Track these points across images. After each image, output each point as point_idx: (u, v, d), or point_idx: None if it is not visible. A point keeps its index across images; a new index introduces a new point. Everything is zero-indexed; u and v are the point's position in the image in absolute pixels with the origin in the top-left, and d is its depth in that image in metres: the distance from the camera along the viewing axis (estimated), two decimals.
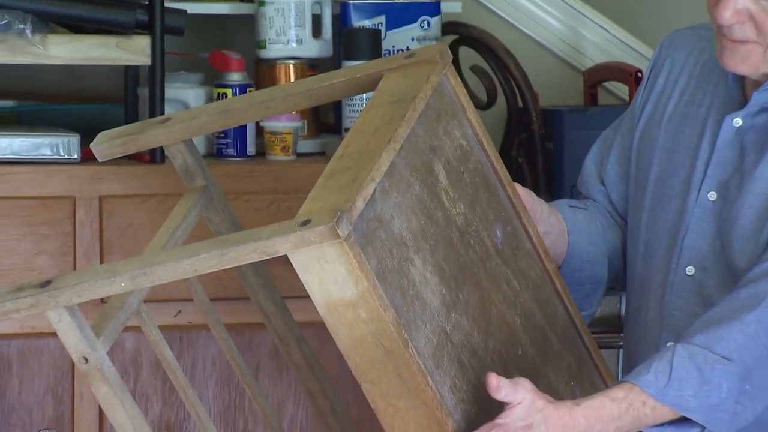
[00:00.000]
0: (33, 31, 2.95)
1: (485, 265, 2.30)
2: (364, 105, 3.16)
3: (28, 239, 2.97)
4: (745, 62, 2.33)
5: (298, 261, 2.01)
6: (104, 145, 2.35)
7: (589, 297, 2.56)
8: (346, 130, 3.20)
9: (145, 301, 2.88)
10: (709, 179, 2.38)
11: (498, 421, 2.10)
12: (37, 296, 2.00)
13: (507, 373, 2.21)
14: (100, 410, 3.00)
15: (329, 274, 2.03)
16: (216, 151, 3.17)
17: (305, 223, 1.98)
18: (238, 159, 3.15)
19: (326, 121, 3.39)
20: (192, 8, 3.21)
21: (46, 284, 2.01)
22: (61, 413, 3.01)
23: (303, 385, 2.56)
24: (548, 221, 2.46)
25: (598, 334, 3.06)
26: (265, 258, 2.04)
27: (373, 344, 2.08)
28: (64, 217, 2.99)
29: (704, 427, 2.22)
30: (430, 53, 2.31)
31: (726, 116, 2.40)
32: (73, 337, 2.03)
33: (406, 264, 2.09)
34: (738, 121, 2.39)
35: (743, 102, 2.40)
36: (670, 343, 2.27)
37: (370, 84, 2.36)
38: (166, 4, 3.07)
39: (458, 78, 2.39)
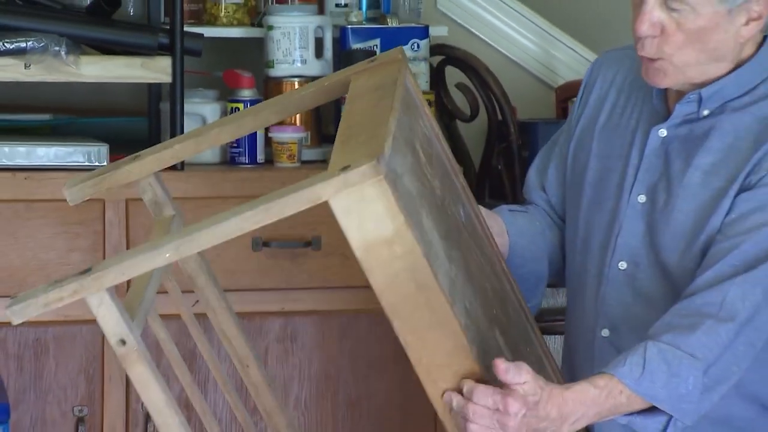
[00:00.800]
0: (67, 53, 2.94)
1: (461, 235, 2.29)
2: None
3: (62, 237, 2.96)
4: (665, 77, 2.33)
5: (338, 205, 1.97)
6: (76, 187, 2.30)
7: (533, 290, 2.55)
8: None
9: (165, 292, 2.93)
10: (639, 183, 2.37)
11: (517, 390, 2.06)
12: (80, 281, 1.95)
13: (492, 330, 2.21)
14: (127, 389, 3.00)
15: (368, 214, 2.00)
16: (230, 159, 3.16)
17: (345, 168, 1.96)
18: (249, 166, 3.14)
19: (327, 132, 3.34)
20: (208, 32, 3.21)
21: (86, 271, 1.96)
22: (92, 392, 3.00)
23: (261, 404, 2.51)
24: (488, 222, 2.45)
25: (551, 322, 3.09)
26: (309, 206, 1.98)
27: (407, 279, 2.05)
28: (94, 218, 2.98)
29: (670, 417, 2.22)
30: (392, 55, 2.32)
31: (653, 127, 2.39)
32: (112, 320, 1.99)
33: (419, 213, 2.09)
34: (663, 132, 2.38)
35: (667, 114, 2.39)
36: (643, 343, 2.23)
37: (339, 90, 2.35)
38: (185, 29, 3.06)
39: (415, 78, 2.38)
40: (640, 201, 2.37)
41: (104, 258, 2.97)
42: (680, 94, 2.38)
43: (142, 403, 2.96)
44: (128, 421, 3.02)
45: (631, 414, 2.22)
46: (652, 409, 2.21)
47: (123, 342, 2.00)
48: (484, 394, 2.03)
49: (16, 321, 1.93)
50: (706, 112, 2.35)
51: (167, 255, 1.98)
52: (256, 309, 3.00)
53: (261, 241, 3.02)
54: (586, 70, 2.59)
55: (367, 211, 1.99)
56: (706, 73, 2.34)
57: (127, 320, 2.00)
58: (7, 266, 2.95)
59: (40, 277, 2.93)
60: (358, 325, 3.08)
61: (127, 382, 3.00)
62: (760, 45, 2.38)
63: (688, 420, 2.22)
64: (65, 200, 2.92)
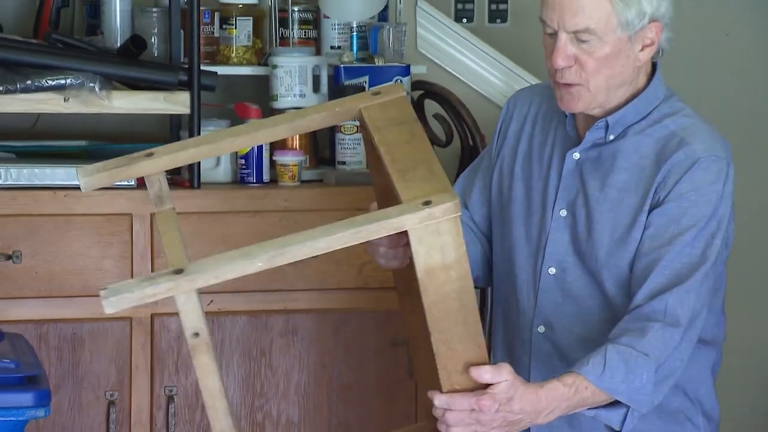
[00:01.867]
0: (101, 89, 2.94)
1: None
2: (352, 145, 3.19)
3: (96, 247, 2.95)
4: (579, 102, 2.30)
5: (415, 234, 1.97)
6: (92, 177, 2.19)
7: None
8: (339, 162, 3.20)
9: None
10: (560, 200, 2.36)
11: (489, 390, 2.08)
12: (176, 281, 1.90)
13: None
14: (152, 377, 2.99)
15: (438, 244, 2.00)
16: (240, 179, 3.14)
17: (427, 203, 1.96)
18: (256, 185, 3.13)
19: (323, 155, 3.35)
20: (221, 70, 3.19)
21: (179, 271, 1.91)
22: (122, 379, 2.98)
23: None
24: None
25: None
26: (391, 233, 1.98)
27: (454, 299, 2.05)
28: (123, 230, 2.97)
29: (629, 408, 2.22)
30: (394, 89, 2.25)
31: (567, 152, 2.37)
32: (194, 315, 1.95)
33: None
34: (576, 155, 2.37)
35: (579, 140, 2.37)
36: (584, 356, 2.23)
37: (346, 116, 2.28)
38: (201, 68, 3.05)
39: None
40: (562, 215, 2.36)
41: (132, 266, 2.97)
42: (588, 122, 2.36)
43: (165, 387, 3.00)
44: (153, 403, 3.00)
45: (597, 408, 2.23)
46: (613, 403, 2.22)
47: (197, 334, 1.96)
48: (461, 401, 2.08)
49: (110, 311, 1.88)
50: (611, 137, 2.34)
51: (259, 264, 1.95)
52: (262, 308, 3.02)
53: None
54: (503, 107, 2.57)
55: (438, 241, 2.00)
56: (613, 97, 2.32)
57: (203, 316, 1.97)
58: (48, 271, 2.93)
59: (78, 281, 2.95)
60: (350, 321, 3.06)
61: (152, 371, 3.00)
62: (651, 76, 2.37)
63: (644, 409, 2.23)
64: (98, 215, 2.95)
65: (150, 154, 2.20)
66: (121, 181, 2.31)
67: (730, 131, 3.80)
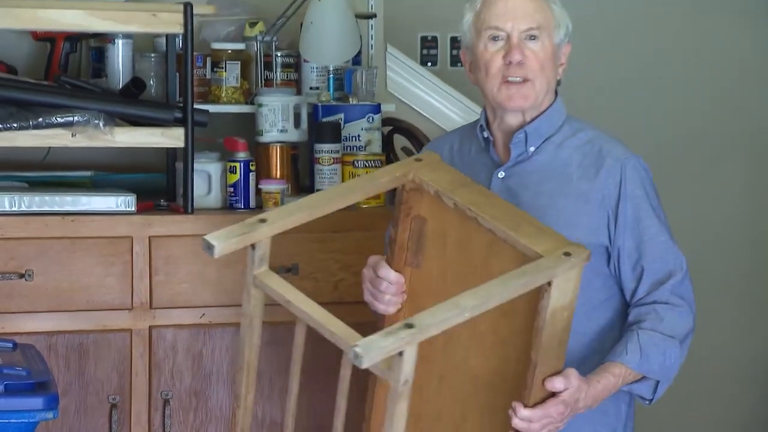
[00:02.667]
0: (104, 125, 2.94)
1: None
2: (329, 175, 3.17)
3: (100, 266, 2.94)
4: (527, 99, 2.33)
5: (558, 281, 2.05)
6: (225, 243, 2.17)
7: None
8: (317, 190, 3.17)
9: (179, 307, 2.95)
10: None
11: (561, 396, 2.13)
12: (411, 334, 1.88)
13: None
14: (150, 382, 2.96)
15: (567, 288, 2.08)
16: (229, 205, 3.12)
17: (567, 254, 2.05)
18: (244, 210, 3.09)
19: (304, 184, 3.35)
20: (212, 108, 3.18)
21: (410, 326, 1.90)
22: (123, 384, 2.96)
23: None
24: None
25: None
26: (546, 281, 2.04)
27: (559, 331, 2.11)
28: (125, 251, 2.95)
29: (657, 381, 2.28)
30: (432, 157, 2.31)
31: (494, 172, 2.39)
32: (411, 366, 1.91)
33: None
34: (501, 174, 2.38)
35: (500, 160, 2.40)
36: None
37: (402, 180, 2.28)
38: (195, 106, 3.03)
39: None
40: None
41: (132, 283, 2.95)
42: (506, 142, 2.38)
43: (161, 392, 2.98)
44: (150, 406, 2.98)
45: (631, 384, 2.29)
46: (644, 377, 2.28)
47: (407, 382, 1.93)
48: (540, 413, 2.12)
49: (365, 364, 1.86)
50: (532, 149, 2.37)
51: (466, 314, 1.97)
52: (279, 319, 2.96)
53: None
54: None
55: (567, 285, 2.08)
56: (543, 102, 2.37)
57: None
58: (57, 288, 2.92)
59: (84, 296, 2.94)
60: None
61: (150, 377, 2.98)
62: (555, 95, 2.41)
63: (671, 381, 2.30)
64: (102, 237, 2.93)
65: (263, 220, 2.20)
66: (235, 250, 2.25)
67: (663, 169, 3.84)
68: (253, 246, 2.19)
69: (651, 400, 2.32)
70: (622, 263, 2.33)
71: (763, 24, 4.58)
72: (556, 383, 2.14)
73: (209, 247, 2.15)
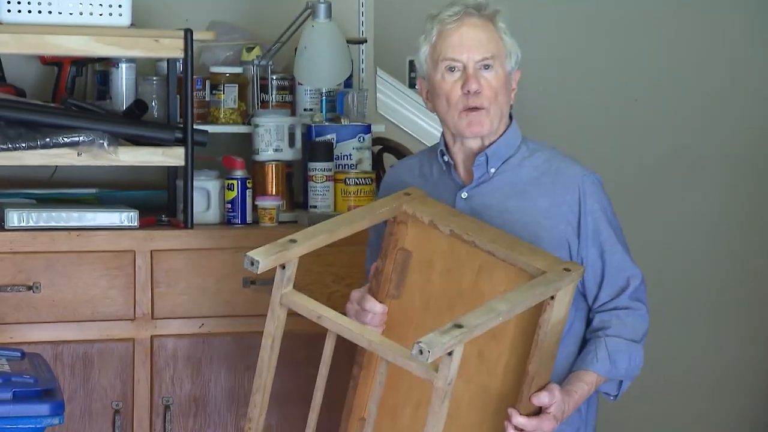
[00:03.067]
0: (109, 144, 2.93)
1: None
2: (322, 192, 3.16)
3: (105, 278, 2.93)
4: (483, 125, 2.35)
5: (560, 295, 2.10)
6: (266, 261, 2.19)
7: None
8: (311, 206, 3.18)
9: (179, 318, 2.93)
10: None
11: (552, 412, 2.18)
12: (463, 334, 1.94)
13: None
14: (152, 389, 2.96)
15: (564, 301, 2.12)
16: (227, 220, 3.11)
17: (567, 270, 2.11)
18: (241, 225, 3.10)
19: (298, 200, 3.33)
20: (211, 129, 3.18)
21: (459, 326, 1.95)
22: (125, 391, 2.96)
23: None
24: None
25: None
26: (555, 291, 2.10)
27: (555, 345, 2.15)
28: (128, 264, 2.95)
29: (621, 382, 2.33)
30: (417, 192, 2.34)
31: (457, 193, 2.40)
32: (457, 363, 1.97)
33: None
34: (465, 194, 2.40)
35: (461, 181, 2.41)
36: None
37: (396, 211, 2.32)
38: (194, 127, 3.03)
39: None
40: None
41: (135, 294, 2.94)
42: (468, 165, 2.40)
43: (162, 398, 2.97)
44: (152, 411, 2.98)
45: (599, 386, 2.34)
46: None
47: (451, 383, 1.97)
48: (533, 424, 2.16)
49: (431, 359, 1.91)
50: (492, 170, 2.39)
51: (500, 319, 2.03)
52: (247, 330, 2.97)
53: (249, 281, 2.99)
54: (384, 178, 2.62)
55: (563, 300, 2.12)
56: (498, 126, 2.39)
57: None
58: (63, 300, 2.92)
59: (88, 308, 2.93)
60: (314, 339, 2.99)
61: (151, 384, 2.97)
62: (510, 120, 2.43)
63: (633, 379, 2.35)
64: (107, 251, 2.92)
65: (293, 241, 2.24)
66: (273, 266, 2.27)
67: (643, 183, 3.83)
68: (282, 266, 2.21)
69: (616, 396, 2.36)
70: (586, 272, 2.36)
71: (738, 45, 4.60)
72: (543, 398, 2.17)
73: (252, 263, 2.18)
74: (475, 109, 2.34)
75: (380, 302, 2.35)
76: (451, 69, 2.34)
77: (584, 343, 2.39)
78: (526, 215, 2.35)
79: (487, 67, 2.34)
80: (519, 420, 2.15)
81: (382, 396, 2.17)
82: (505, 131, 2.41)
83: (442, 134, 2.46)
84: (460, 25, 2.33)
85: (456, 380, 2.18)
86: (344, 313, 2.35)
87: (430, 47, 2.37)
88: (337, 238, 2.30)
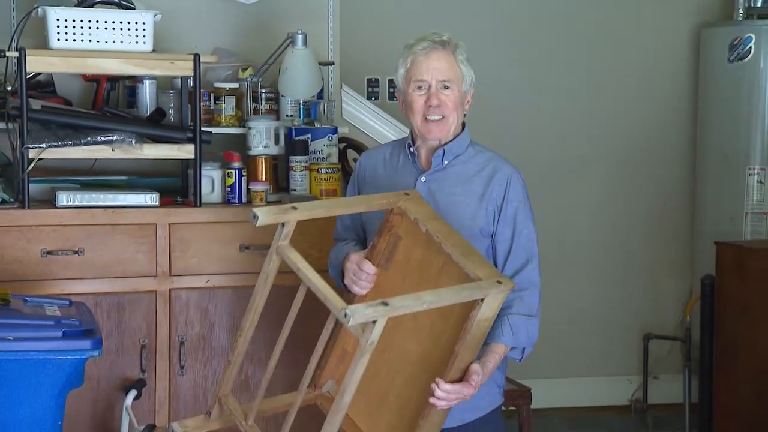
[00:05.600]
0: (136, 142, 2.93)
1: None
2: (300, 179, 3.13)
3: (133, 245, 2.92)
4: (441, 132, 2.36)
5: (486, 300, 2.06)
6: (265, 218, 2.08)
7: None
8: (292, 189, 3.14)
9: (191, 275, 2.90)
10: None
11: (472, 382, 2.14)
12: (386, 310, 1.90)
13: None
14: (170, 329, 2.93)
15: (491, 305, 2.08)
16: (227, 200, 3.09)
17: (499, 282, 2.07)
18: (238, 204, 3.08)
19: (282, 185, 3.27)
20: (215, 130, 3.16)
21: (386, 304, 1.91)
22: (150, 330, 2.93)
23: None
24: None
25: None
26: (475, 299, 2.04)
27: (481, 336, 2.13)
28: (151, 234, 2.93)
29: (524, 348, 2.30)
30: (415, 194, 2.30)
31: (418, 177, 2.39)
32: (378, 332, 1.91)
33: None
34: (423, 178, 2.38)
35: (422, 168, 2.40)
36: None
37: (391, 205, 2.27)
38: (202, 129, 3.01)
39: None
40: None
41: (156, 259, 2.92)
42: (428, 157, 2.39)
43: (178, 336, 2.94)
44: (170, 346, 2.96)
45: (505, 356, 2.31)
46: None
47: (373, 343, 1.93)
48: (457, 389, 2.14)
49: (351, 323, 1.86)
50: (446, 162, 2.38)
51: (425, 306, 1.99)
52: (243, 284, 2.95)
53: (245, 246, 2.97)
54: (357, 164, 2.55)
55: (493, 305, 2.09)
56: (454, 131, 2.38)
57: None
58: (100, 261, 2.90)
59: (120, 267, 2.91)
60: (293, 291, 3.02)
61: (170, 325, 2.94)
62: (463, 125, 2.43)
63: (532, 346, 2.32)
64: (134, 224, 2.90)
65: (294, 208, 2.16)
66: (273, 223, 2.14)
67: (545, 179, 3.86)
68: (282, 224, 2.14)
69: (520, 359, 2.34)
70: (498, 246, 2.36)
71: (620, 71, 4.62)
72: (473, 375, 2.17)
73: (254, 217, 2.07)
74: (436, 119, 2.35)
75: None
76: (419, 87, 2.35)
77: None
78: (467, 198, 2.36)
79: (446, 87, 2.34)
80: (445, 387, 2.12)
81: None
82: (458, 135, 2.40)
83: (411, 131, 2.43)
84: (428, 56, 2.33)
85: (409, 341, 2.21)
86: (341, 271, 2.36)
87: (405, 70, 2.37)
88: (332, 214, 2.26)
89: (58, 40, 2.89)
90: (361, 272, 2.31)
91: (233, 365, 2.25)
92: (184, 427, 2.26)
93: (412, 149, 2.44)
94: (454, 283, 2.12)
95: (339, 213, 2.28)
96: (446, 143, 2.39)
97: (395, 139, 2.98)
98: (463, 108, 2.40)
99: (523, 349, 2.32)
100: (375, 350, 2.06)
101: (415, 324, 2.22)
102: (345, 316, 1.88)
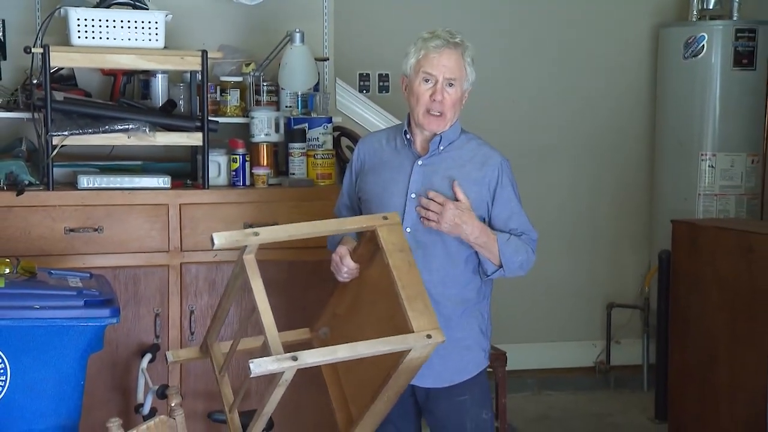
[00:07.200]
0: (150, 131, 2.92)
1: None
2: (298, 164, 3.12)
3: (147, 224, 2.92)
4: (440, 126, 2.34)
5: (416, 350, 1.98)
6: (219, 242, 2.08)
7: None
8: (291, 173, 3.12)
9: (200, 250, 2.87)
10: (411, 187, 2.34)
11: (461, 205, 2.18)
12: (292, 366, 1.86)
13: None
14: (181, 299, 2.92)
15: (421, 353, 2.01)
16: (232, 183, 3.08)
17: (429, 336, 1.98)
18: (242, 186, 3.07)
19: (281, 169, 3.25)
20: (221, 120, 3.16)
21: (295, 359, 1.87)
22: (163, 300, 2.93)
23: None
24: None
25: None
26: (401, 349, 1.95)
27: (405, 380, 2.05)
28: (163, 213, 2.93)
29: (500, 267, 2.28)
30: (394, 217, 2.23)
31: (415, 161, 2.37)
32: (289, 378, 1.89)
33: None
34: (420, 162, 2.36)
35: (418, 154, 2.37)
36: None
37: (369, 227, 2.20)
38: (209, 118, 3.00)
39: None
40: (412, 197, 2.34)
41: (168, 236, 2.90)
42: (424, 143, 2.37)
43: (189, 305, 2.94)
44: (182, 315, 2.96)
45: (485, 258, 2.30)
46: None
47: (286, 382, 1.93)
48: (440, 199, 2.20)
49: (251, 376, 1.85)
50: (441, 148, 2.36)
51: (338, 358, 1.93)
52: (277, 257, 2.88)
53: (248, 224, 2.93)
54: (356, 146, 2.51)
55: (422, 354, 2.01)
56: (450, 123, 2.36)
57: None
58: (119, 238, 2.90)
59: (136, 243, 2.91)
60: (293, 266, 2.97)
61: (181, 296, 2.94)
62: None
63: (507, 274, 2.31)
64: (148, 204, 2.90)
65: (256, 234, 2.10)
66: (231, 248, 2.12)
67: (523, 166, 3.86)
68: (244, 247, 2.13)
69: (489, 276, 2.33)
70: (495, 226, 2.35)
71: (590, 70, 4.62)
72: (459, 192, 2.21)
73: (212, 242, 2.06)
74: (437, 115, 2.33)
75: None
76: (427, 80, 2.32)
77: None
78: (462, 181, 2.34)
79: (451, 84, 2.31)
80: (432, 194, 2.18)
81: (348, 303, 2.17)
82: (453, 125, 2.38)
83: (408, 118, 2.39)
84: (440, 54, 2.30)
85: (368, 331, 2.15)
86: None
87: (416, 60, 2.33)
88: (294, 238, 2.17)
89: (79, 37, 2.89)
90: (343, 266, 2.32)
91: (217, 319, 2.35)
92: (176, 357, 2.41)
93: (408, 136, 2.41)
94: (392, 314, 2.06)
95: (302, 237, 2.17)
96: (440, 132, 2.38)
97: (385, 127, 2.97)
98: (461, 104, 2.38)
99: (498, 269, 2.30)
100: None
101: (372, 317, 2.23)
102: (248, 368, 1.86)
